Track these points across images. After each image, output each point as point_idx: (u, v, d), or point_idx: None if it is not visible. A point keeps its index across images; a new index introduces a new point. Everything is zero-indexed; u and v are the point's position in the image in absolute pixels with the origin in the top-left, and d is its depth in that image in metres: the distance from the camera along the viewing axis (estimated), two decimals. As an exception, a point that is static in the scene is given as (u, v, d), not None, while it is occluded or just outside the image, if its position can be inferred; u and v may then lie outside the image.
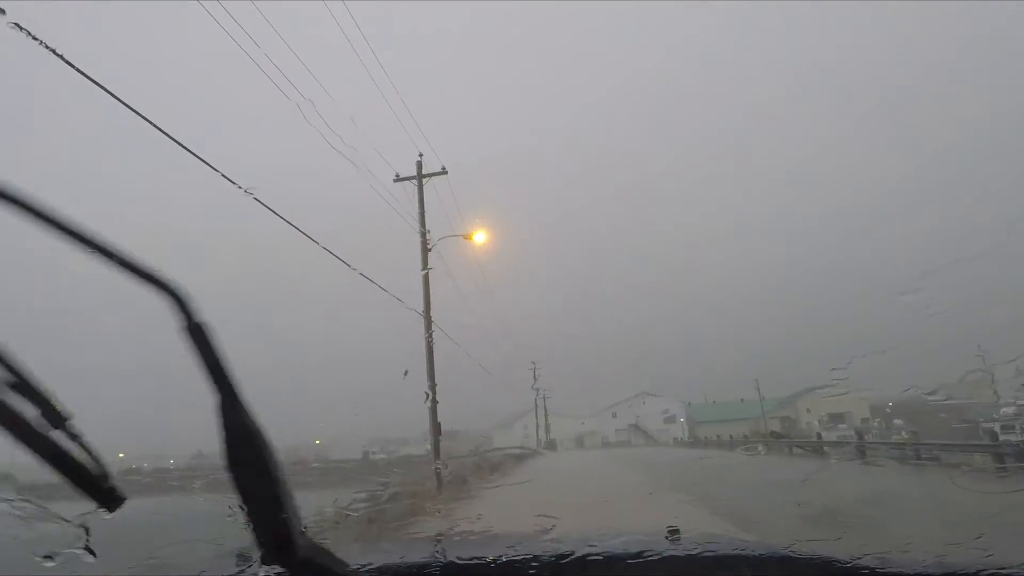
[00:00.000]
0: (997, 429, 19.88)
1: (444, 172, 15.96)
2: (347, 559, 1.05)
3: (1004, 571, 1.10)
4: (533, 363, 51.40)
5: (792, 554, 1.25)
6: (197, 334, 0.83)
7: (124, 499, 0.86)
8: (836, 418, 38.26)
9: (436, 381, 14.52)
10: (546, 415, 54.13)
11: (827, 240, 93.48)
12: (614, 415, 66.30)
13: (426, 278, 14.54)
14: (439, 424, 14.23)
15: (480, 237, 17.31)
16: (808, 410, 47.26)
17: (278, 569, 0.95)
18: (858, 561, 1.17)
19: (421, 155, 15.68)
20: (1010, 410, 22.42)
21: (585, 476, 16.08)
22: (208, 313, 0.82)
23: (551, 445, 54.62)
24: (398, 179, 15.47)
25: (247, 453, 0.87)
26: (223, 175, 7.16)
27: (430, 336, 14.54)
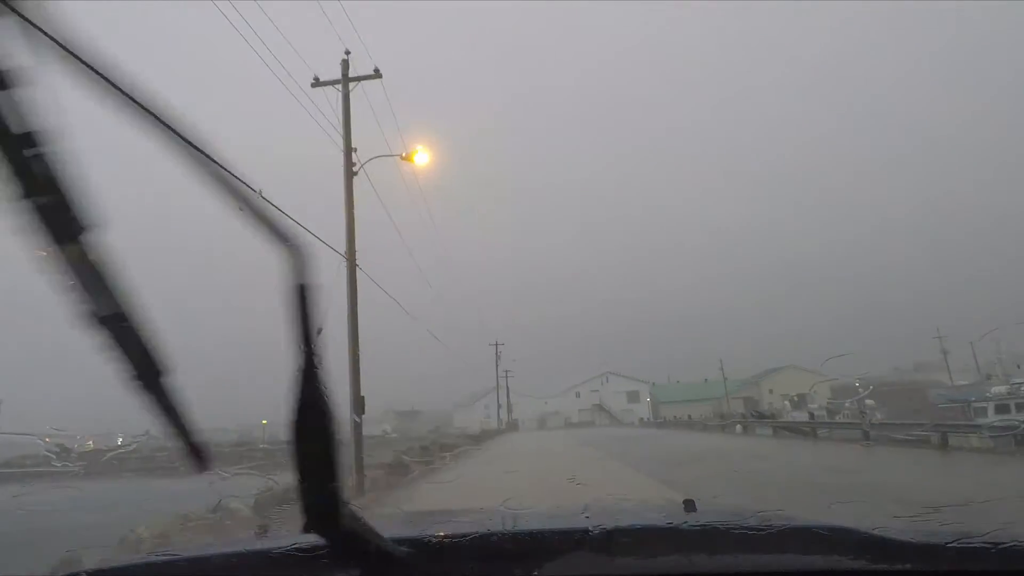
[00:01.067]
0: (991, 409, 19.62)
1: (377, 76, 13.03)
2: (383, 532, 1.12)
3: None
4: (496, 342, 50.80)
5: (809, 525, 1.29)
6: (303, 295, 0.85)
7: (213, 459, 0.90)
8: (802, 399, 39.15)
9: (364, 348, 11.95)
10: (508, 395, 54.06)
11: (792, 227, 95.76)
12: (578, 395, 67.19)
13: (349, 203, 11.95)
14: (362, 398, 11.54)
15: (423, 158, 13.92)
16: (771, 391, 48.62)
17: (318, 539, 1.01)
18: (881, 531, 1.21)
19: (348, 53, 12.78)
20: (1003, 388, 22.86)
21: (543, 462, 15.55)
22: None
23: (513, 425, 54.66)
24: (317, 83, 12.50)
25: (314, 422, 0.90)
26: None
27: (353, 280, 11.88)
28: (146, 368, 0.83)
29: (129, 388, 0.82)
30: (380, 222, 14.08)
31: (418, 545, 1.24)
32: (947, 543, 1.14)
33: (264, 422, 33.07)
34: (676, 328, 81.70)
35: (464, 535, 1.28)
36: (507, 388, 54.45)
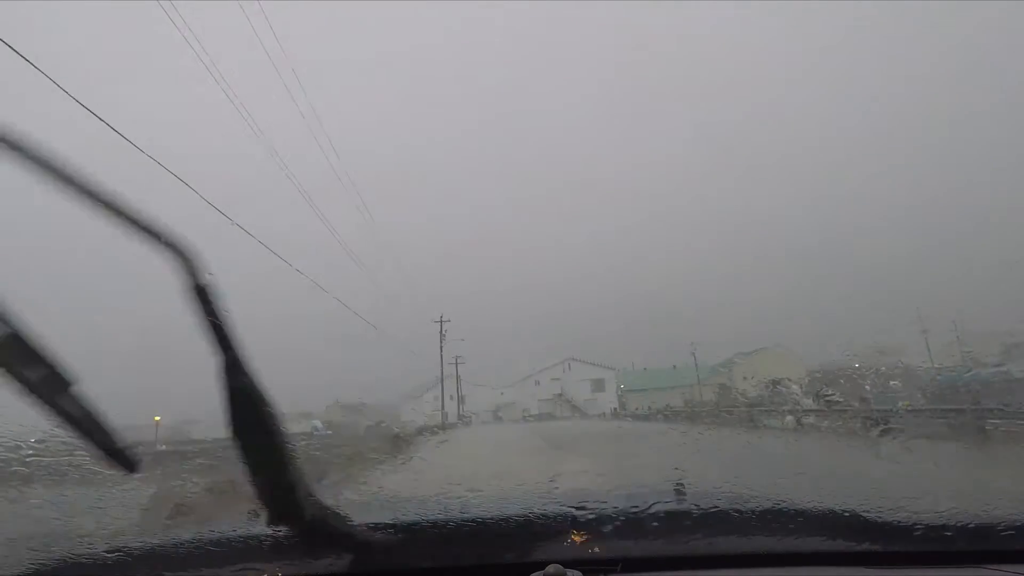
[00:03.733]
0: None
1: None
2: (352, 518, 1.25)
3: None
4: (440, 318, 48.73)
5: (800, 507, 1.42)
6: (203, 295, 0.92)
7: (141, 460, 0.98)
8: (777, 384, 39.33)
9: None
10: (459, 385, 53.23)
11: (763, 205, 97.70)
12: (537, 383, 67.35)
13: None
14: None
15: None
16: (745, 377, 49.26)
17: (284, 529, 1.11)
18: (863, 512, 1.38)
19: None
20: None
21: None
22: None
23: (464, 419, 53.75)
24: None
25: (250, 416, 0.97)
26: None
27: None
28: (49, 381, 0.88)
29: (29, 402, 0.86)
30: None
31: (397, 530, 1.34)
32: (932, 524, 1.33)
33: (156, 419, 31.94)
34: (643, 310, 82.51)
35: (447, 520, 1.41)
36: (458, 377, 53.40)
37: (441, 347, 50.42)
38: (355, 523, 1.24)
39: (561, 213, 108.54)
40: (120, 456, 0.94)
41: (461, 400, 54.47)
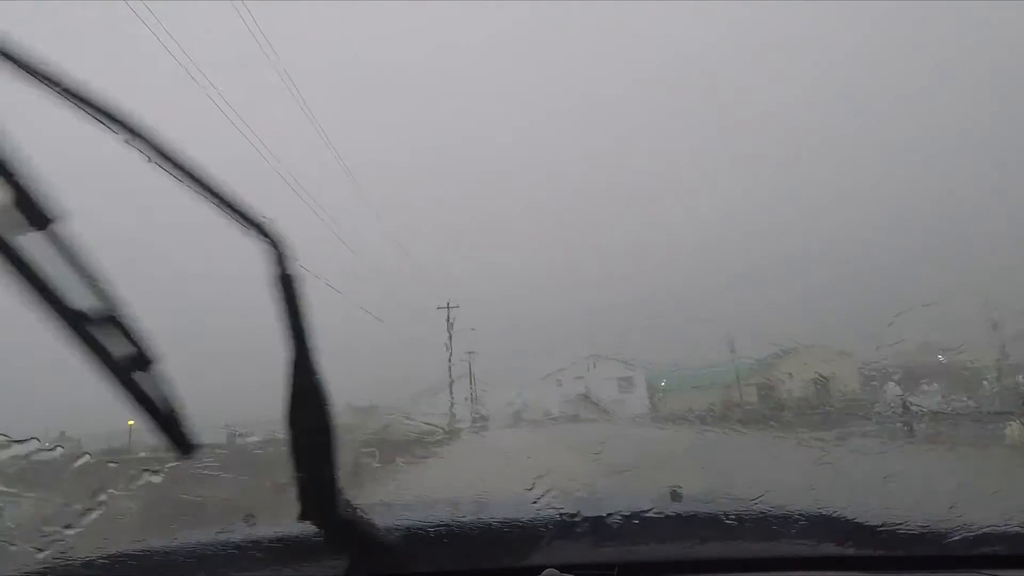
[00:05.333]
0: None
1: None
2: (375, 520, 1.35)
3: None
4: (447, 303, 46.55)
5: (794, 512, 1.50)
6: (288, 286, 0.98)
7: (200, 447, 1.05)
8: (826, 382, 37.12)
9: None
10: (472, 383, 51.66)
11: (803, 194, 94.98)
12: (559, 383, 65.71)
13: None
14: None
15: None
16: (791, 375, 46.94)
17: (313, 527, 1.18)
18: (863, 518, 1.46)
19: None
20: None
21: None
22: None
23: (478, 422, 51.95)
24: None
25: (310, 412, 1.05)
26: None
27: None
28: (133, 360, 0.93)
29: (111, 382, 0.92)
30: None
31: (415, 534, 1.45)
32: (930, 528, 1.42)
33: (131, 422, 30.13)
34: (672, 303, 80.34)
35: (442, 524, 1.50)
36: (471, 375, 51.70)
37: (449, 336, 46.70)
38: (377, 526, 1.34)
39: (586, 199, 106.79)
40: (181, 440, 1.00)
41: (475, 401, 52.76)
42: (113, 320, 0.90)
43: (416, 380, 61.76)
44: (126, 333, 0.92)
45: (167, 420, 0.98)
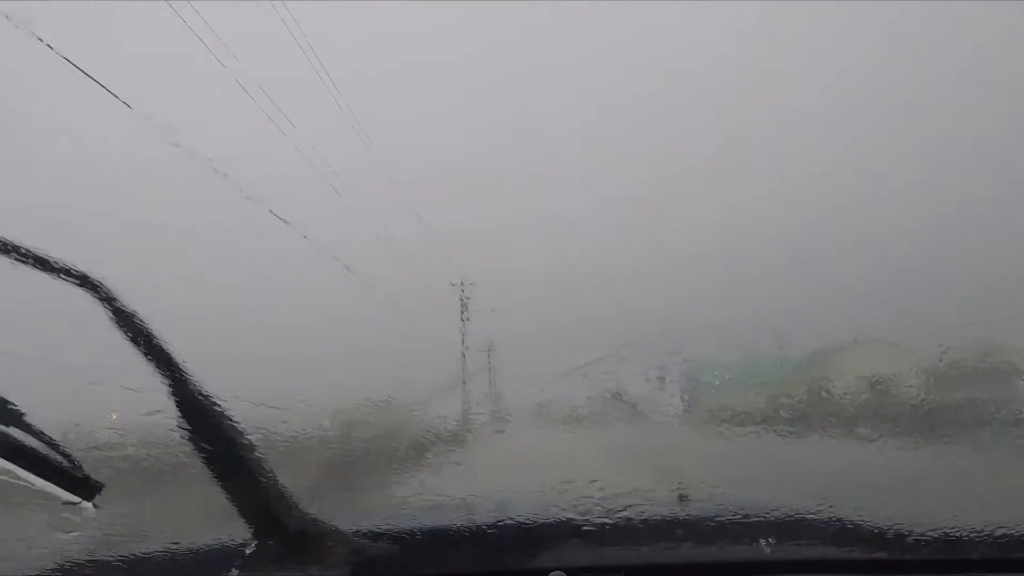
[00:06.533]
0: None
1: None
2: (339, 526, 1.39)
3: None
4: (461, 281, 40.22)
5: (804, 516, 1.57)
6: (129, 323, 1.07)
7: (102, 486, 1.10)
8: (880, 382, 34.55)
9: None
10: (491, 378, 49.69)
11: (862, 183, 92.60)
12: (585, 377, 61.12)
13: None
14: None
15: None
16: (846, 372, 44.63)
17: (269, 542, 1.23)
18: (868, 523, 1.51)
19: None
20: None
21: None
22: None
23: (498, 420, 50.05)
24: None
25: (209, 433, 1.12)
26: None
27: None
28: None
29: None
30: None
31: (396, 538, 1.46)
32: (935, 535, 1.45)
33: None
34: (713, 292, 77.92)
35: (448, 527, 1.60)
36: (490, 368, 49.55)
37: (463, 319, 40.54)
38: (349, 532, 1.37)
39: (624, 187, 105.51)
40: (80, 484, 1.04)
41: (494, 398, 51.08)
42: None
43: (436, 373, 60.39)
44: None
45: (54, 469, 1.01)
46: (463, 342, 40.00)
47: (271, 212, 13.53)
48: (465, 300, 40.51)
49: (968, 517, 1.47)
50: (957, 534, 1.43)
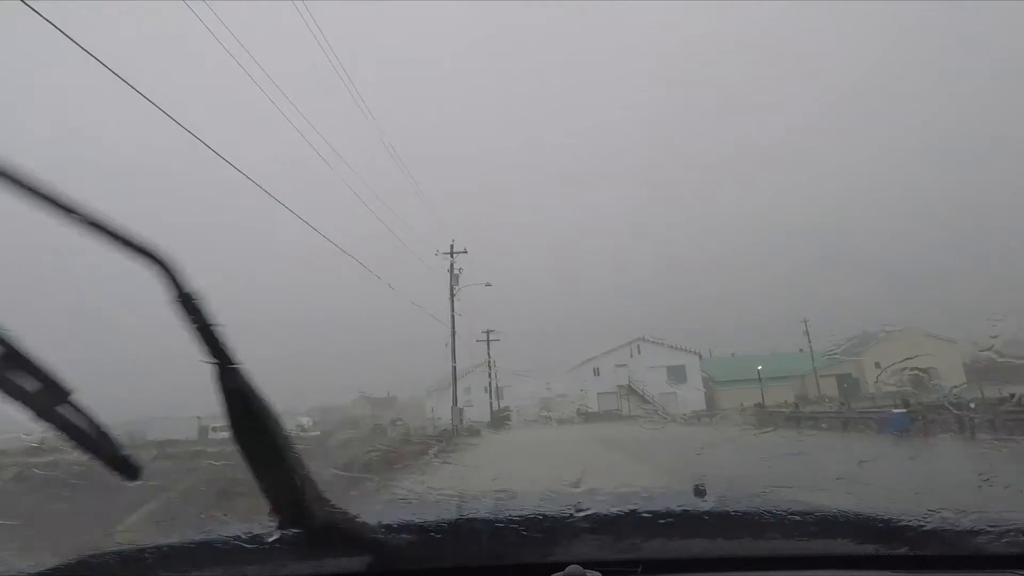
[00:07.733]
0: None
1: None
2: (365, 519, 1.41)
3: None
4: (451, 247, 36.70)
5: (819, 509, 1.53)
6: (188, 303, 1.04)
7: (142, 468, 1.12)
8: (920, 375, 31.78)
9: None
10: (491, 371, 47.25)
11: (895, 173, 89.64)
12: (596, 372, 61.68)
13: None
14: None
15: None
16: (877, 364, 41.60)
17: (296, 531, 1.26)
18: (889, 517, 1.49)
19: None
20: None
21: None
22: None
23: (501, 419, 47.64)
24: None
25: (249, 420, 1.11)
26: None
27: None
28: (47, 393, 1.01)
29: (30, 416, 1.00)
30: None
31: (412, 531, 1.49)
32: (952, 528, 1.43)
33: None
34: (730, 275, 75.41)
35: (467, 519, 1.62)
36: (490, 361, 47.05)
37: (452, 292, 36.28)
38: (369, 524, 1.37)
39: (648, 172, 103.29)
40: (122, 464, 1.07)
41: (497, 393, 48.37)
42: (18, 358, 0.97)
43: (438, 369, 58.26)
44: (33, 370, 0.98)
45: (99, 447, 1.03)
46: (452, 319, 36.87)
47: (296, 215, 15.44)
48: (457, 271, 37.75)
49: (1003, 515, 1.50)
50: (985, 528, 1.41)
